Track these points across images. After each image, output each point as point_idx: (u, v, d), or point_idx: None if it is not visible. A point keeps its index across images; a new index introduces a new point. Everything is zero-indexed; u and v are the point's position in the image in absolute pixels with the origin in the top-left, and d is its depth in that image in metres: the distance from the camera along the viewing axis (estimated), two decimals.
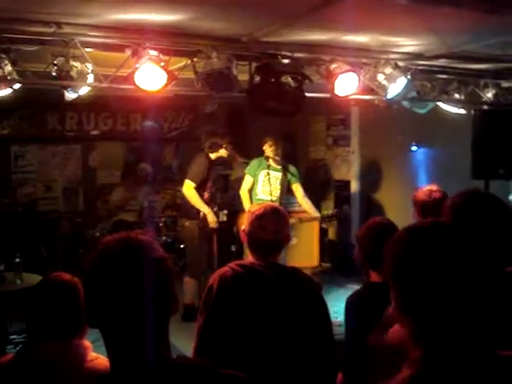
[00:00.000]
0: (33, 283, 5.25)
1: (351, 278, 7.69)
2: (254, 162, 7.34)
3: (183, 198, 7.10)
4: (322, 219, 7.35)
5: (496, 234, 2.29)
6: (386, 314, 2.36)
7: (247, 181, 7.32)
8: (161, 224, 8.92)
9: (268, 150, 7.16)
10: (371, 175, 9.17)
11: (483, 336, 1.48)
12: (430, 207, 4.04)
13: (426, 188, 4.26)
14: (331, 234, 9.85)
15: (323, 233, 9.44)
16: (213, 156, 7.03)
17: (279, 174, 7.23)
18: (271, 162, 7.19)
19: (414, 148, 8.15)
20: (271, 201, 6.82)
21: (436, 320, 1.45)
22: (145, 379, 1.51)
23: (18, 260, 5.80)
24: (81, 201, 10.08)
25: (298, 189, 7.43)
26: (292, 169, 7.40)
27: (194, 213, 6.97)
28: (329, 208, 7.74)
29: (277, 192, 7.15)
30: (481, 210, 2.37)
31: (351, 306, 3.16)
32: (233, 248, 7.97)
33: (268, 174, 7.16)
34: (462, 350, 1.44)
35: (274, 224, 2.98)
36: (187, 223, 7.08)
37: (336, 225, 8.37)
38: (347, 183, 9.63)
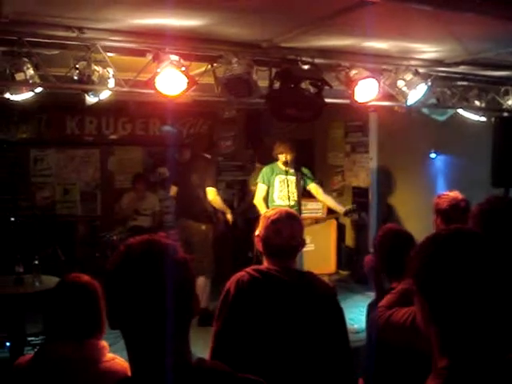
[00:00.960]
0: (51, 286, 5.27)
1: (368, 285, 7.64)
2: (267, 170, 7.31)
3: (198, 202, 7.23)
4: (345, 214, 7.28)
5: None
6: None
7: (261, 189, 7.28)
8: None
9: (283, 155, 7.14)
10: (389, 182, 9.13)
11: (510, 346, 1.47)
12: (454, 215, 3.98)
13: (450, 195, 4.17)
14: (349, 240, 9.83)
15: (341, 239, 9.42)
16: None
17: (294, 178, 7.21)
18: (284, 166, 7.18)
19: (432, 155, 8.10)
20: (289, 206, 6.79)
21: (462, 329, 1.44)
22: (165, 382, 1.51)
23: (36, 262, 5.83)
24: (98, 205, 10.12)
25: (315, 188, 7.43)
26: (305, 170, 7.39)
27: (209, 217, 7.36)
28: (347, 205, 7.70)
29: (294, 196, 7.13)
30: (507, 217, 2.35)
31: (372, 310, 3.17)
32: (249, 254, 7.97)
33: (284, 179, 7.16)
34: (488, 360, 1.42)
35: (289, 228, 2.97)
36: (203, 227, 7.29)
37: (357, 219, 8.31)
38: (365, 190, 9.60)
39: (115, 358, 2.45)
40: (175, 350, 1.53)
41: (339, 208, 7.42)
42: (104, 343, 2.47)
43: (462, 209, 4.04)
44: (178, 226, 7.59)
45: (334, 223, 9.04)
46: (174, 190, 7.75)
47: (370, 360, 2.95)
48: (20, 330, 5.72)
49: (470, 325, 1.43)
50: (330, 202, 7.59)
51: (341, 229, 9.52)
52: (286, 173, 7.14)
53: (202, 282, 6.97)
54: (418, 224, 6.95)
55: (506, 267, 1.47)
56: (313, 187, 7.41)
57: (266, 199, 7.27)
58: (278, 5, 3.84)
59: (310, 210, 8.24)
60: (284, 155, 7.12)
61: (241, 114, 10.13)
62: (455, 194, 4.19)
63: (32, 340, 5.82)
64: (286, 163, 7.12)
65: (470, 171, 7.01)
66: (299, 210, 6.83)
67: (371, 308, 3.19)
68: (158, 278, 1.50)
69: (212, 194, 7.27)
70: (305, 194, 7.52)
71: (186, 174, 7.47)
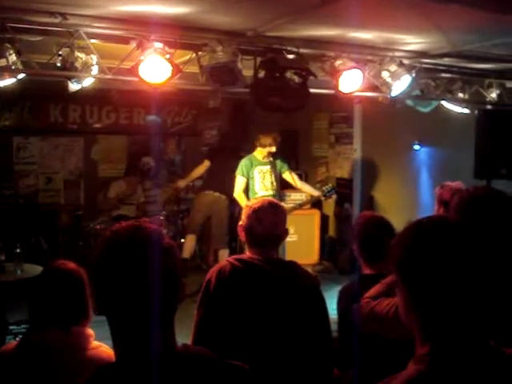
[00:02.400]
0: (33, 274, 5.25)
1: (351, 276, 7.69)
2: (246, 162, 7.29)
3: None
4: (323, 194, 7.32)
5: (505, 231, 2.29)
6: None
7: (240, 181, 7.27)
8: (162, 218, 8.90)
9: (270, 147, 7.13)
10: (373, 174, 9.16)
11: (491, 333, 1.48)
12: None
13: (453, 186, 4.19)
14: (332, 231, 9.86)
15: (324, 230, 9.45)
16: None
17: (272, 168, 7.22)
18: (264, 157, 7.18)
19: (416, 147, 8.14)
20: (272, 195, 6.81)
21: (443, 316, 1.45)
22: (151, 368, 1.51)
23: (18, 251, 5.80)
24: (82, 194, 10.08)
25: (291, 175, 7.47)
26: (278, 159, 7.41)
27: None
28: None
29: (274, 185, 7.17)
30: (489, 206, 2.37)
31: (342, 296, 3.19)
32: (232, 244, 8.01)
33: (263, 170, 7.18)
34: (469, 346, 1.44)
35: (272, 217, 2.97)
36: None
37: (336, 198, 8.43)
38: (349, 181, 9.63)
39: (101, 345, 2.44)
40: (160, 335, 1.53)
41: (316, 193, 7.47)
42: (90, 331, 2.46)
43: None
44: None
45: (317, 214, 9.07)
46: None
47: (356, 351, 2.96)
48: (1, 318, 5.68)
49: (452, 312, 1.44)
50: (307, 188, 7.67)
51: (324, 219, 9.54)
52: (265, 163, 7.16)
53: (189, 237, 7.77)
54: (401, 215, 7.00)
55: (486, 255, 1.48)
56: (287, 175, 7.44)
57: (247, 192, 7.27)
58: None
59: (294, 199, 8.24)
60: (270, 147, 7.12)
61: (226, 104, 10.11)
62: (458, 184, 4.21)
63: (14, 329, 5.79)
64: (269, 154, 7.13)
65: (454, 163, 7.05)
66: (280, 199, 6.83)
67: (342, 293, 3.21)
68: (143, 263, 1.50)
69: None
70: (283, 184, 7.54)
71: None
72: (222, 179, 7.80)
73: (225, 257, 7.50)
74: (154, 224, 1.61)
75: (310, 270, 8.06)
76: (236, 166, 7.37)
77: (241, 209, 6.61)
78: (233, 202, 7.89)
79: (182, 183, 8.85)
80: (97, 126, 10.07)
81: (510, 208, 2.41)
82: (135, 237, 1.54)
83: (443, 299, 1.44)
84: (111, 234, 1.58)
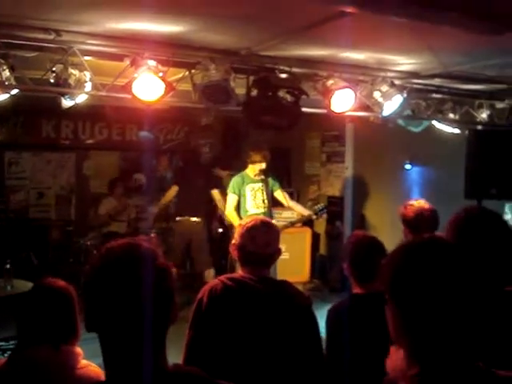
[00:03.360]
0: (23, 290, 5.21)
1: (342, 294, 7.68)
2: (237, 179, 7.27)
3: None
4: (315, 213, 7.31)
5: (497, 253, 2.29)
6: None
7: (232, 199, 7.23)
8: (152, 235, 8.88)
9: (260, 163, 7.13)
10: (364, 192, 9.20)
11: (480, 354, 1.48)
12: (420, 225, 3.98)
13: (415, 205, 4.14)
14: (323, 249, 9.86)
15: (315, 248, 9.45)
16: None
17: (263, 185, 7.21)
18: (256, 175, 7.19)
19: (407, 166, 8.18)
20: (264, 213, 6.80)
21: (433, 336, 1.45)
22: None
23: (8, 266, 5.76)
24: (73, 209, 10.05)
25: (282, 194, 7.46)
26: (270, 177, 7.40)
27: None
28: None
29: (266, 203, 7.16)
30: (483, 227, 2.37)
31: (331, 315, 3.18)
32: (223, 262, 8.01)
33: (255, 187, 7.18)
34: (459, 367, 1.44)
35: (265, 236, 2.97)
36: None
37: (327, 217, 8.44)
38: (340, 199, 9.65)
39: (89, 364, 2.43)
40: (151, 355, 1.53)
41: (307, 212, 7.46)
42: (79, 349, 2.45)
43: (428, 219, 4.05)
44: None
45: (308, 232, 9.07)
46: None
47: (345, 371, 2.95)
48: None
49: (441, 332, 1.45)
50: (297, 207, 7.63)
51: (315, 237, 9.54)
52: (257, 181, 7.16)
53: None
54: (392, 234, 7.00)
55: (477, 277, 1.49)
56: (279, 194, 7.43)
57: (238, 209, 7.26)
58: (257, 13, 3.86)
59: (285, 218, 8.25)
60: (261, 164, 7.11)
61: (218, 121, 10.13)
62: (421, 203, 4.15)
63: (2, 345, 5.73)
64: (260, 172, 7.13)
65: (445, 183, 7.09)
66: (271, 217, 6.82)
67: (331, 313, 3.20)
68: (136, 282, 1.49)
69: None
70: (275, 202, 7.54)
71: None
72: (195, 202, 7.86)
73: (211, 276, 7.60)
74: (148, 243, 1.61)
75: (300, 287, 8.02)
76: (209, 186, 7.42)
77: (233, 227, 6.63)
78: (210, 223, 7.94)
79: (153, 209, 8.77)
80: (89, 141, 10.07)
81: (504, 230, 2.41)
82: (129, 255, 1.54)
83: (432, 320, 1.45)
84: (105, 251, 1.58)
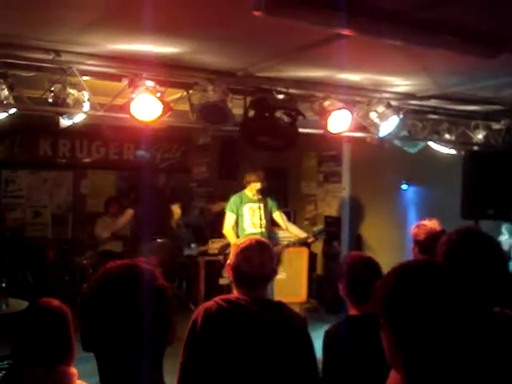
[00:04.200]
0: (18, 309, 5.19)
1: (339, 315, 7.65)
2: (235, 199, 7.30)
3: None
4: (314, 235, 7.30)
5: (487, 274, 2.30)
6: None
7: (230, 218, 7.26)
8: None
9: (256, 183, 7.14)
10: (361, 212, 9.20)
11: (471, 376, 1.48)
12: (432, 247, 3.97)
13: (428, 226, 4.12)
14: (320, 269, 9.84)
15: (312, 268, 9.43)
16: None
17: (262, 205, 7.21)
18: (253, 195, 7.19)
19: (404, 186, 8.20)
20: (261, 233, 6.80)
21: (427, 358, 1.45)
22: None
23: (3, 285, 5.74)
24: (69, 228, 10.03)
25: (280, 216, 7.47)
26: (269, 198, 7.42)
27: None
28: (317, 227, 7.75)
29: (264, 223, 7.15)
30: (475, 249, 2.39)
31: (328, 338, 3.17)
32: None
33: (253, 207, 7.18)
34: None
35: (259, 257, 2.95)
36: None
37: (325, 239, 8.41)
38: (337, 220, 9.65)
39: None
40: (149, 375, 1.52)
41: (303, 235, 7.46)
42: (73, 370, 2.44)
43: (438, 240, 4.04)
44: None
45: (305, 251, 9.05)
46: None
47: None
48: None
49: (435, 354, 1.45)
50: (293, 229, 7.63)
51: (312, 257, 9.53)
52: (255, 201, 7.17)
53: None
54: (388, 254, 7.01)
55: (471, 299, 1.49)
56: (277, 215, 7.45)
57: (236, 228, 7.26)
58: (253, 35, 3.89)
59: (284, 237, 8.24)
60: (256, 184, 7.13)
61: (215, 141, 10.18)
62: (433, 224, 4.13)
63: None
64: (257, 191, 7.13)
65: (441, 203, 7.09)
66: (268, 238, 6.81)
67: (328, 335, 3.18)
68: (134, 303, 1.50)
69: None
70: (273, 222, 7.55)
71: None
72: (162, 222, 7.83)
73: None
74: (147, 264, 1.61)
75: (297, 308, 8.04)
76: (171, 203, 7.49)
77: (229, 246, 6.60)
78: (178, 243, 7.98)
79: (105, 234, 8.47)
80: (86, 160, 10.08)
81: (494, 252, 2.42)
82: (127, 276, 1.55)
83: (426, 342, 1.45)
84: (104, 271, 1.58)
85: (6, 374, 2.47)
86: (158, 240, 7.81)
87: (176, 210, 8.15)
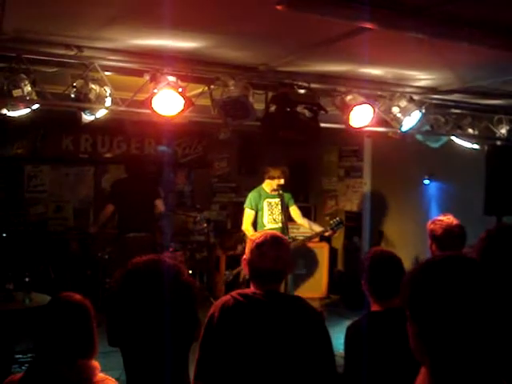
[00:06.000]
0: (41, 303, 5.25)
1: (359, 310, 7.61)
2: (254, 194, 7.26)
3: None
4: (331, 228, 7.25)
5: None
6: None
7: (249, 214, 7.21)
8: (170, 249, 8.88)
9: (279, 179, 7.11)
10: (382, 207, 9.15)
11: (497, 373, 1.47)
12: (449, 242, 3.95)
13: (444, 221, 4.10)
14: (340, 264, 9.82)
15: (333, 263, 9.41)
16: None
17: (279, 200, 7.18)
18: (272, 190, 7.17)
19: (426, 181, 8.14)
20: (280, 228, 6.78)
21: (453, 352, 1.43)
22: None
23: (27, 279, 5.81)
24: (91, 222, 10.09)
25: (295, 210, 7.43)
26: (286, 192, 7.39)
27: None
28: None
29: (283, 218, 7.12)
30: (506, 246, 2.37)
31: (350, 334, 3.16)
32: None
33: (272, 202, 7.17)
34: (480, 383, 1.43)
35: (275, 252, 2.93)
36: None
37: (345, 232, 8.35)
38: (358, 215, 9.61)
39: (106, 378, 2.43)
40: (174, 371, 1.53)
41: (318, 229, 7.40)
42: (96, 363, 2.45)
43: (456, 235, 4.02)
44: None
45: (326, 247, 9.04)
46: None
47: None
48: (8, 347, 5.67)
49: (461, 349, 1.43)
50: (308, 223, 7.56)
51: (333, 253, 9.51)
52: (274, 196, 7.15)
53: None
54: (410, 250, 6.97)
55: (499, 294, 1.47)
56: (293, 209, 7.41)
57: (255, 224, 7.25)
58: (275, 30, 3.89)
59: (303, 232, 8.22)
60: (280, 180, 7.10)
61: (236, 136, 10.17)
62: (449, 219, 4.12)
63: (20, 357, 5.77)
64: (278, 186, 7.10)
65: (464, 198, 7.04)
66: (287, 233, 6.78)
67: (350, 331, 3.17)
68: (160, 298, 1.51)
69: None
70: (291, 217, 7.53)
71: None
72: (142, 216, 7.79)
73: None
74: (172, 259, 1.61)
75: (317, 303, 8.03)
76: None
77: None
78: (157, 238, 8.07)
79: (93, 229, 8.57)
80: (108, 155, 10.13)
81: None
82: (154, 272, 1.55)
83: (453, 336, 1.43)
84: (130, 266, 1.59)
85: (29, 367, 2.48)
86: (138, 234, 7.81)
87: (159, 204, 8.15)
